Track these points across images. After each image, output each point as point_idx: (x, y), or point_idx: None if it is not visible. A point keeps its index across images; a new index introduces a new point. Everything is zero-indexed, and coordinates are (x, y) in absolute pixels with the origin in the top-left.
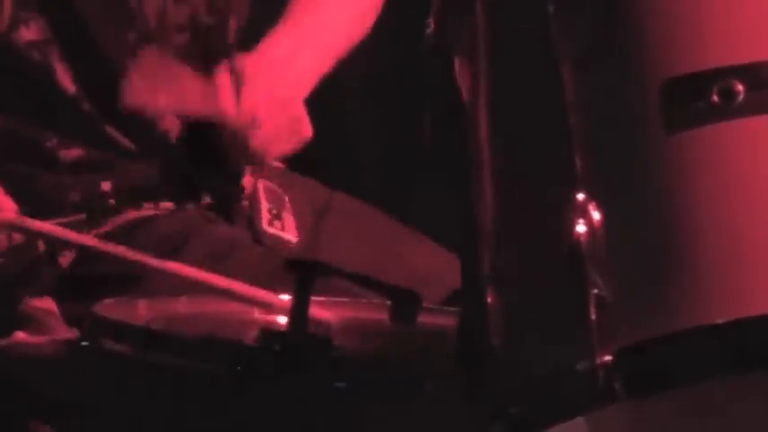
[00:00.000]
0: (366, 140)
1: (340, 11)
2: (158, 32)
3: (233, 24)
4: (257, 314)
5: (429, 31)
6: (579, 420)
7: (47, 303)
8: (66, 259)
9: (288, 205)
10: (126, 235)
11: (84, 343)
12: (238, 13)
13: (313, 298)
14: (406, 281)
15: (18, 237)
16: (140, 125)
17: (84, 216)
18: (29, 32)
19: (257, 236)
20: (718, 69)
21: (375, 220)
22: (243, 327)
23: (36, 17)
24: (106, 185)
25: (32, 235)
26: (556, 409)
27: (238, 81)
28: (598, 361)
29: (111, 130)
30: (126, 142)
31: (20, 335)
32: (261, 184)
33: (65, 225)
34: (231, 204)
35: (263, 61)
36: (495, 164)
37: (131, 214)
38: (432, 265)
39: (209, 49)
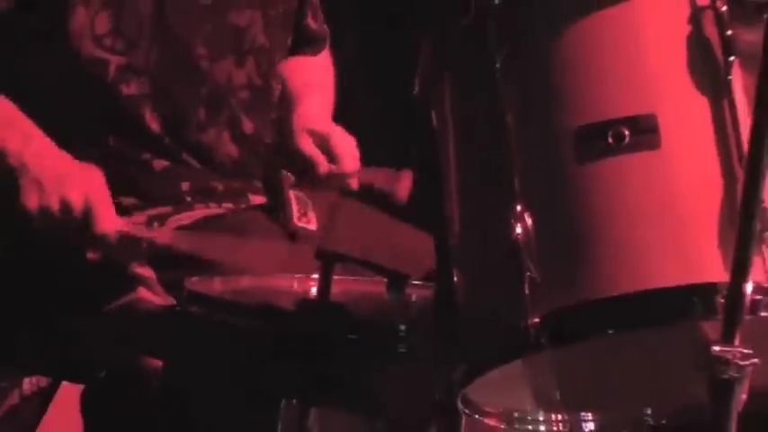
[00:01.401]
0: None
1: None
2: (225, 90)
3: (276, 85)
4: (295, 287)
5: (415, 91)
6: (518, 362)
7: (147, 271)
8: (160, 236)
9: (311, 206)
10: (201, 226)
11: (178, 307)
12: (277, 77)
13: (334, 277)
14: (397, 262)
15: (128, 223)
16: (204, 152)
17: (170, 208)
18: (128, 89)
19: (289, 227)
20: (611, 120)
21: (373, 215)
22: (285, 297)
23: (135, 78)
24: (185, 185)
25: (134, 241)
26: (502, 354)
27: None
28: (530, 322)
29: (186, 155)
30: (195, 162)
31: (142, 291)
32: (292, 193)
33: (158, 214)
34: (276, 208)
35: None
36: (460, 183)
37: (203, 211)
38: (416, 250)
39: (260, 102)
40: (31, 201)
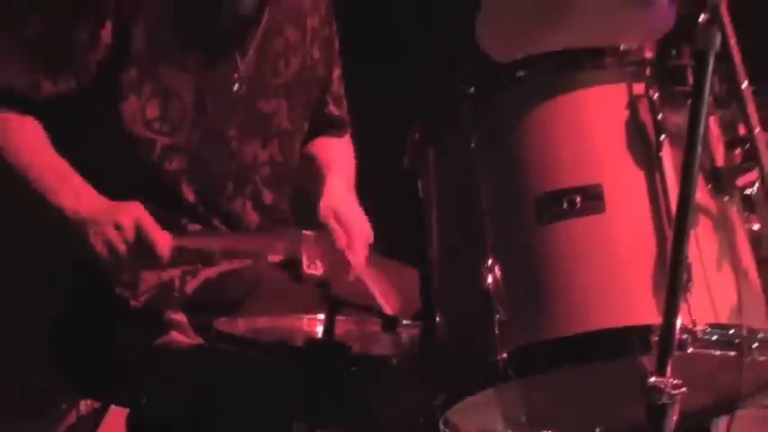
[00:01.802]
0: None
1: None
2: (251, 167)
3: (292, 162)
4: (305, 326)
5: (405, 164)
6: (490, 390)
7: (180, 317)
8: (191, 287)
9: (319, 255)
10: (226, 278)
11: (206, 346)
12: (295, 154)
13: (337, 318)
14: (390, 303)
15: (165, 275)
16: (232, 219)
17: (200, 264)
18: (170, 165)
19: (300, 275)
20: (566, 189)
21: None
22: (297, 334)
23: (176, 156)
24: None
25: (170, 290)
26: (476, 383)
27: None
28: (499, 357)
29: (216, 221)
30: (224, 227)
31: (174, 334)
32: (303, 247)
33: (191, 269)
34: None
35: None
36: (441, 241)
37: (227, 266)
38: (407, 294)
39: (279, 178)
40: (97, 242)
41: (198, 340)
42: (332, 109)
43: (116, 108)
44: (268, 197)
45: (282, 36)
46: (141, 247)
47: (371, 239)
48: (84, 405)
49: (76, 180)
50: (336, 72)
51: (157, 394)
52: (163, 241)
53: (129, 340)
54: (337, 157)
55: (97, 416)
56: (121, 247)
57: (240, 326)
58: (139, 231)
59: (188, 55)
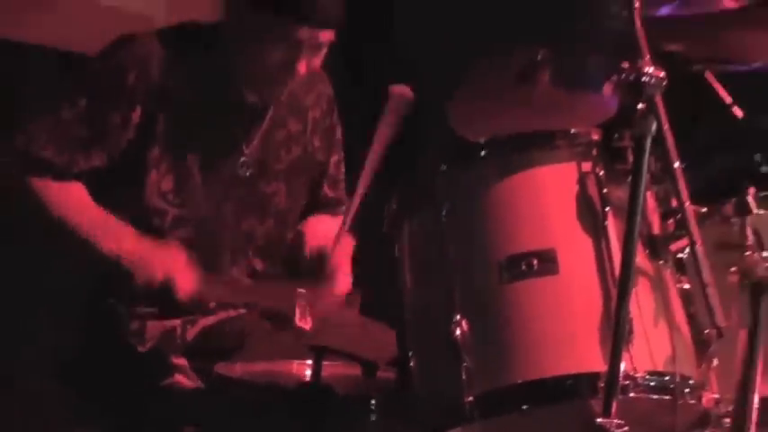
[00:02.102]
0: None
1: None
2: (247, 239)
3: (286, 235)
4: (295, 370)
5: (384, 229)
6: (458, 428)
7: (182, 361)
8: (190, 334)
9: (308, 311)
10: (222, 326)
11: (207, 386)
12: (289, 228)
13: (323, 363)
14: (370, 351)
15: (168, 324)
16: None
17: (200, 315)
18: (178, 233)
19: (292, 327)
20: (525, 253)
21: (352, 317)
22: (287, 378)
23: (184, 227)
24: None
25: (172, 337)
26: (445, 423)
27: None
28: (466, 400)
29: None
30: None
31: (177, 377)
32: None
33: (190, 319)
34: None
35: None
36: (415, 297)
37: (223, 315)
38: (384, 343)
39: (272, 249)
40: (140, 280)
41: (198, 382)
42: (327, 191)
43: (141, 181)
44: (259, 265)
45: (285, 128)
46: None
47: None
48: None
49: (117, 228)
50: (335, 157)
51: (166, 427)
52: (185, 287)
53: (137, 382)
54: (324, 229)
55: None
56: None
57: (237, 369)
58: (167, 279)
59: (202, 140)
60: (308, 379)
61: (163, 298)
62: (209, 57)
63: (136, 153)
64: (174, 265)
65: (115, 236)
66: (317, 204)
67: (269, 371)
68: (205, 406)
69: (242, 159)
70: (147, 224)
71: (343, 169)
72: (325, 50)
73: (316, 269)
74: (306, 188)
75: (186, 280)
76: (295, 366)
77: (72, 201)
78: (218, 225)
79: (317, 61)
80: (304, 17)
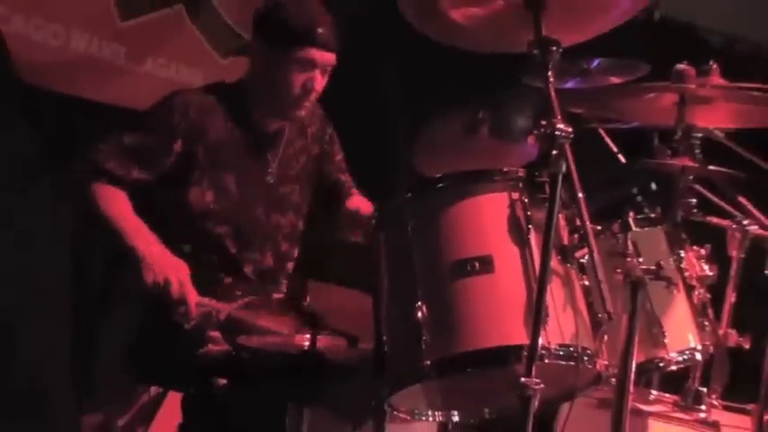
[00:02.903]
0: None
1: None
2: (274, 230)
3: (300, 222)
4: (296, 341)
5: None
6: (417, 385)
7: (216, 334)
8: (222, 315)
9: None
10: (246, 307)
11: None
12: (302, 216)
13: (318, 336)
14: (354, 327)
15: (206, 309)
16: (257, 266)
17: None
18: (220, 229)
19: (300, 308)
20: (469, 257)
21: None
22: (291, 347)
23: (223, 224)
24: (239, 290)
25: (209, 316)
26: (409, 380)
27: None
28: (424, 364)
29: (246, 269)
30: (250, 273)
31: (210, 346)
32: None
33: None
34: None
35: None
36: (388, 289)
37: (246, 300)
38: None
39: (293, 234)
40: (148, 278)
41: (227, 349)
42: (344, 178)
43: (185, 193)
44: (284, 247)
45: (293, 145)
46: (177, 294)
47: None
48: (153, 390)
49: (148, 234)
50: (339, 156)
51: (201, 384)
52: (191, 298)
53: (183, 350)
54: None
55: (160, 397)
56: (160, 289)
57: (254, 341)
58: (180, 285)
59: (236, 162)
60: (306, 348)
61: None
62: (235, 103)
63: (179, 173)
64: (183, 276)
65: (144, 242)
66: (343, 188)
67: (278, 342)
68: (231, 366)
69: (270, 171)
70: (195, 225)
71: (344, 162)
72: (329, 72)
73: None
74: (311, 185)
75: (192, 292)
76: (297, 339)
77: (118, 201)
78: (251, 221)
79: (325, 81)
80: (318, 43)
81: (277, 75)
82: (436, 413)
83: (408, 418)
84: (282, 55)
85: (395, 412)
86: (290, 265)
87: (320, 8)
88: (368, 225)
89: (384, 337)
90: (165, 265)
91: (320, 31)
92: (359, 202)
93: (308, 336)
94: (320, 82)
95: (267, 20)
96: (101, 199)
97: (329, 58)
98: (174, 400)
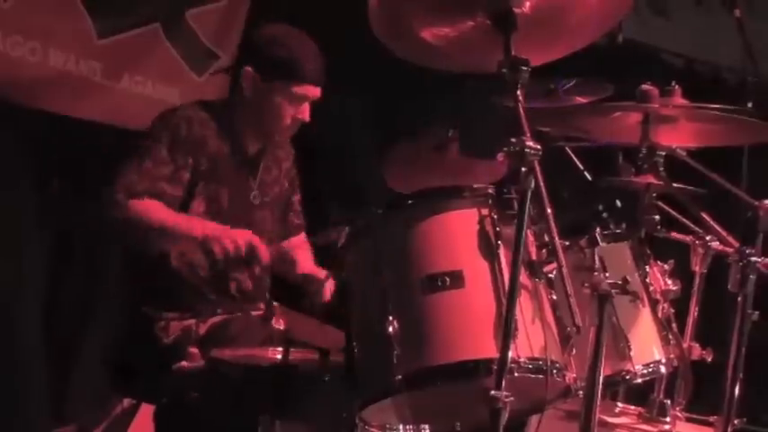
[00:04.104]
0: None
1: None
2: (224, 283)
3: (264, 290)
4: (269, 355)
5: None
6: (388, 399)
7: (195, 350)
8: (202, 330)
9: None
10: (225, 323)
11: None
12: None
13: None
14: (325, 342)
15: (186, 324)
16: (241, 285)
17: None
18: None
19: (270, 328)
20: (440, 272)
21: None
22: (265, 360)
23: None
24: (221, 309)
25: (189, 333)
26: (380, 395)
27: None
28: (395, 378)
29: (232, 287)
30: (234, 291)
31: (183, 363)
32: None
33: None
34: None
35: None
36: (360, 304)
37: (225, 316)
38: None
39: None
40: (218, 250)
41: (201, 364)
42: (294, 219)
43: (189, 206)
44: (257, 270)
45: (271, 173)
46: (248, 256)
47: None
48: (127, 401)
49: (200, 220)
50: (297, 196)
51: (172, 397)
52: (264, 252)
53: (158, 364)
54: (305, 251)
55: (134, 408)
56: (232, 254)
57: (227, 353)
58: (251, 246)
59: (228, 176)
60: (278, 361)
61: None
62: (223, 121)
63: (191, 187)
64: (252, 238)
65: (200, 224)
66: (289, 230)
67: (251, 355)
68: (204, 378)
69: (253, 193)
70: None
71: (299, 205)
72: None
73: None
74: (279, 216)
75: (264, 248)
76: (269, 352)
77: (157, 207)
78: None
79: (307, 113)
80: (313, 80)
81: (269, 104)
82: (408, 427)
83: (379, 431)
84: (277, 87)
85: (366, 426)
86: (266, 289)
87: (313, 45)
88: (314, 294)
89: (356, 351)
90: (228, 235)
91: (315, 68)
92: (300, 241)
93: (279, 349)
94: (308, 113)
95: (265, 52)
96: (143, 210)
97: (318, 92)
98: (147, 412)
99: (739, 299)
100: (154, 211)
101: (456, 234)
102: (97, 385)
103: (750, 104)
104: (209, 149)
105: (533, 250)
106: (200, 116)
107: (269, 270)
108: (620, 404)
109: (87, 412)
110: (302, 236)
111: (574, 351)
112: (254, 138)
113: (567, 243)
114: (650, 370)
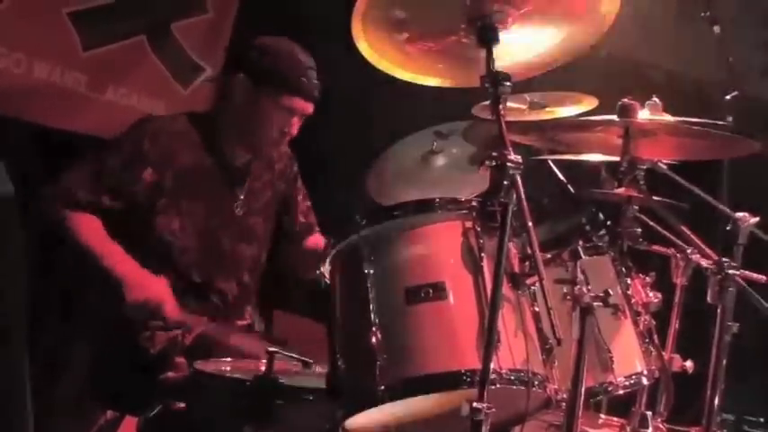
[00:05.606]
0: None
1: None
2: (239, 261)
3: (263, 254)
4: (253, 367)
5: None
6: (373, 409)
7: (181, 360)
8: (188, 340)
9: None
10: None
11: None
12: (265, 249)
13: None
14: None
15: (172, 334)
16: (223, 296)
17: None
18: (186, 259)
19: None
20: (423, 284)
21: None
22: (249, 372)
23: (189, 254)
24: (207, 318)
25: (176, 342)
26: (363, 405)
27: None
28: (378, 388)
29: (213, 297)
30: (218, 301)
31: (170, 374)
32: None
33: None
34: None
35: None
36: (343, 314)
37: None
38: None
39: (255, 264)
40: (130, 298)
41: (185, 375)
42: (301, 219)
43: (152, 222)
44: (246, 277)
45: (261, 179)
46: (154, 312)
47: None
48: (110, 414)
49: (125, 256)
50: (301, 196)
51: (157, 407)
52: (171, 310)
53: (144, 376)
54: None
55: (117, 421)
56: (138, 305)
57: (210, 366)
58: (156, 303)
59: (204, 191)
60: (262, 372)
61: (153, 317)
62: (206, 132)
63: (149, 202)
64: (163, 293)
65: (122, 266)
66: (293, 231)
67: (235, 367)
68: (188, 389)
69: (237, 203)
70: (161, 253)
71: (308, 202)
72: (303, 119)
73: None
74: (273, 219)
75: (172, 306)
76: (253, 364)
77: (91, 225)
78: (216, 251)
79: (297, 128)
80: (305, 93)
81: (257, 115)
82: None
83: None
84: (268, 99)
85: None
86: (253, 296)
87: (309, 58)
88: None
89: (339, 362)
90: (140, 285)
91: (308, 82)
92: (318, 240)
93: (264, 361)
94: (296, 127)
95: (258, 62)
96: (75, 225)
97: (310, 107)
98: (130, 423)
99: (719, 311)
100: (86, 230)
101: (439, 246)
102: (81, 396)
103: (730, 119)
104: (180, 163)
105: (516, 263)
106: (176, 128)
107: (184, 324)
108: (602, 416)
109: (71, 424)
110: (317, 236)
111: (556, 363)
112: (242, 149)
113: (550, 256)
114: (632, 381)
